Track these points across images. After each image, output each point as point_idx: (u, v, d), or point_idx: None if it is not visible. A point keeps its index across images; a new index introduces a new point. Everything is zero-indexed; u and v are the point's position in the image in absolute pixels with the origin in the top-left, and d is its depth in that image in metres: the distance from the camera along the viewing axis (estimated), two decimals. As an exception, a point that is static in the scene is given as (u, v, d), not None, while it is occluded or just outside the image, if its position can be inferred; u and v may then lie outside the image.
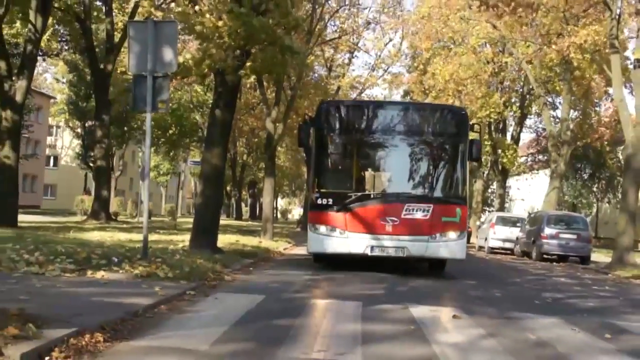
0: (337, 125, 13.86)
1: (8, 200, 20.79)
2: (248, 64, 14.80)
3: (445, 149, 13.86)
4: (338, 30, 35.09)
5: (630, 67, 23.96)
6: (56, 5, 25.84)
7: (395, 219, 12.73)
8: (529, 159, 49.59)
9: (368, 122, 13.87)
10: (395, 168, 13.79)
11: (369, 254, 12.78)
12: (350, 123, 14.02)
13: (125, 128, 44.29)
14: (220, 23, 13.67)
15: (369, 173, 14.05)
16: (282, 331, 6.29)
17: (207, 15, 13.76)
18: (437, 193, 13.38)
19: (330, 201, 13.07)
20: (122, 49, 28.66)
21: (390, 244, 12.77)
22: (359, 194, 13.28)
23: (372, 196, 13.36)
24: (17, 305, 5.61)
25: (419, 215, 12.82)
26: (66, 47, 34.93)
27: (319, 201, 13.21)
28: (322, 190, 13.34)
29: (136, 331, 5.83)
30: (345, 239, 12.83)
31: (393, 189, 13.59)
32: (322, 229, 13.06)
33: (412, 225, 12.78)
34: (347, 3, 34.11)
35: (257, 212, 60.76)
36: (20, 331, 4.72)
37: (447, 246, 13.00)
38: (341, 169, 14.27)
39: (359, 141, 13.96)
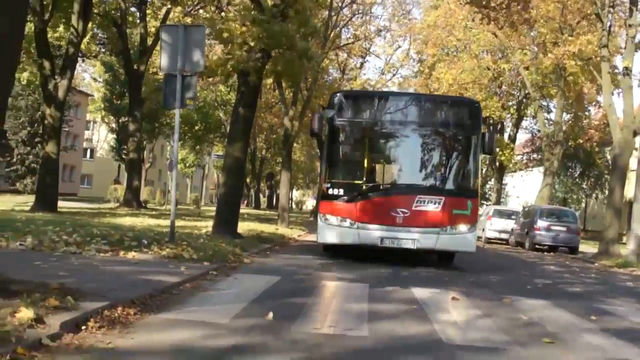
0: (349, 116, 12.66)
1: (49, 189, 20.97)
2: (268, 66, 14.83)
3: (458, 140, 12.77)
4: (351, 37, 35.05)
5: (620, 74, 23.73)
6: (96, 11, 25.91)
7: (406, 211, 11.78)
8: (524, 158, 49.30)
9: (380, 113, 12.74)
10: (406, 159, 12.76)
11: (379, 245, 11.86)
12: (362, 114, 12.88)
13: (156, 124, 44.32)
14: (244, 29, 13.71)
15: (380, 164, 13.04)
16: (296, 308, 6.31)
17: (232, 22, 13.80)
18: (449, 185, 12.39)
19: (341, 191, 12.11)
20: (154, 52, 28.78)
21: (401, 236, 11.80)
22: (370, 184, 12.35)
23: (383, 187, 12.51)
24: (58, 280, 5.69)
25: (430, 207, 11.85)
26: (103, 50, 34.96)
27: (330, 191, 12.21)
28: (333, 180, 12.34)
29: (163, 306, 5.88)
30: (355, 229, 11.88)
31: (404, 181, 12.62)
32: (332, 219, 12.09)
33: (423, 217, 11.84)
34: (360, 12, 34.04)
35: (274, 202, 60.87)
36: (60, 303, 4.78)
37: (458, 239, 11.98)
38: (352, 159, 13.04)
39: (370, 132, 12.73)
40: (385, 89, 41.75)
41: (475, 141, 12.33)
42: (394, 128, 12.74)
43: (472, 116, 12.57)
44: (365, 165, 12.47)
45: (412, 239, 11.82)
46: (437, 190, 12.10)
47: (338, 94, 13.18)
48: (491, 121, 36.98)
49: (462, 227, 11.99)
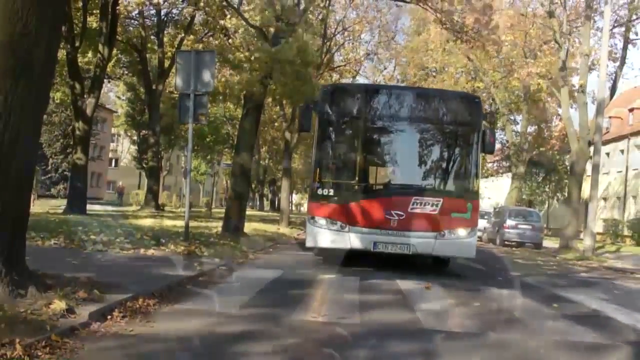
0: (341, 111, 10.37)
1: (79, 194, 20.89)
2: (272, 87, 14.85)
3: (457, 138, 10.44)
4: (343, 60, 35.05)
5: (576, 91, 23.84)
6: (119, 39, 25.92)
7: (401, 213, 9.64)
8: (495, 165, 49.37)
9: (374, 108, 10.46)
10: (402, 158, 10.53)
11: (372, 250, 9.82)
12: (354, 109, 10.44)
13: (172, 136, 44.17)
14: (247, 54, 13.72)
15: (373, 163, 11.02)
16: (296, 299, 6.31)
17: (238, 49, 13.80)
18: (447, 186, 10.29)
19: (331, 192, 9.93)
20: (170, 74, 28.78)
21: (395, 240, 9.69)
22: (363, 185, 10.21)
23: (376, 188, 10.65)
24: (87, 275, 5.67)
25: (427, 209, 9.71)
26: (126, 72, 34.95)
27: (319, 192, 10.02)
28: (323, 180, 10.12)
29: (180, 297, 5.86)
30: (346, 233, 9.79)
31: (399, 181, 10.53)
32: (322, 221, 9.91)
33: (420, 221, 9.69)
34: (350, 38, 34.06)
35: (276, 205, 60.74)
36: (88, 295, 4.78)
37: (456, 244, 9.87)
38: (344, 157, 10.60)
39: (363, 128, 10.44)
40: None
41: (475, 139, 10.18)
42: (388, 124, 10.54)
43: (472, 112, 10.28)
44: (358, 164, 10.29)
45: (407, 243, 9.72)
46: (435, 192, 10.02)
47: (329, 87, 11.20)
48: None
49: (461, 232, 9.88)
